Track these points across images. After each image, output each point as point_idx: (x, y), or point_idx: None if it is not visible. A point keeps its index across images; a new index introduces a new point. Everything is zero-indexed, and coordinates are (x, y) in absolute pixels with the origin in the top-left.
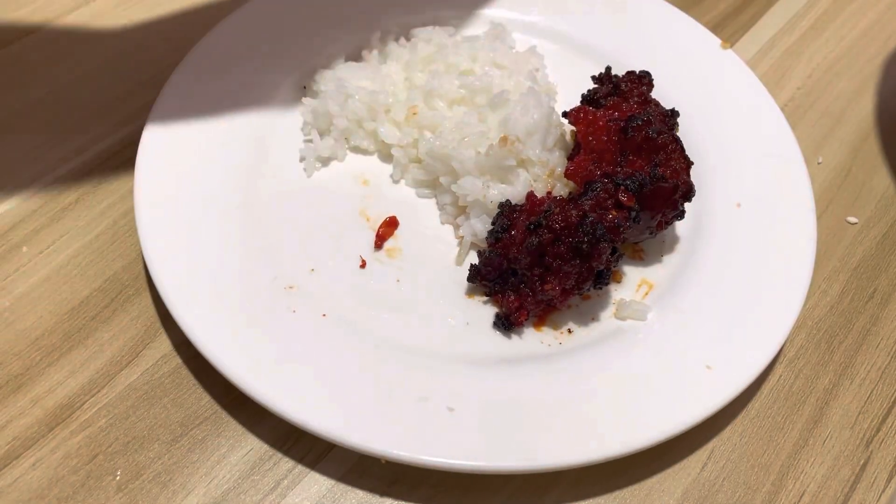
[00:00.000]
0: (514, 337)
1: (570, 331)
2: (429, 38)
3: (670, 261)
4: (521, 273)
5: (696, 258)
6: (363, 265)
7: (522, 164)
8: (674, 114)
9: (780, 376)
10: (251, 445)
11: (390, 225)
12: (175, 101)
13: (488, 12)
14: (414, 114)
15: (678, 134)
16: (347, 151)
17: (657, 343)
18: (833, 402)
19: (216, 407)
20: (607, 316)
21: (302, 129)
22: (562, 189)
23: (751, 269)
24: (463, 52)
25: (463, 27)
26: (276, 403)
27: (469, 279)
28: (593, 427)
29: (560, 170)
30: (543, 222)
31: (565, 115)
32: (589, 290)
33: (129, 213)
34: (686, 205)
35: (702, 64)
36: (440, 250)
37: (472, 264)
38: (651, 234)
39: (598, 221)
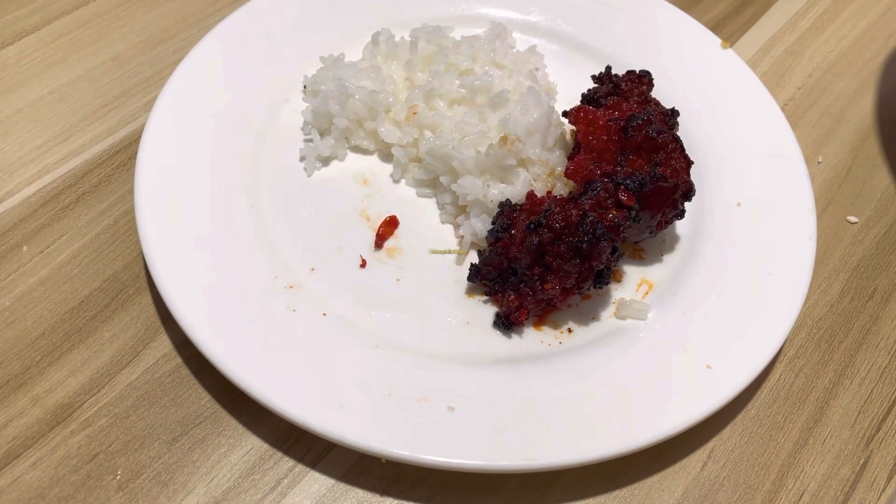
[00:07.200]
0: (514, 336)
1: (570, 330)
2: (429, 38)
3: (670, 260)
4: (521, 272)
5: (696, 258)
6: (363, 265)
7: (522, 163)
8: (674, 113)
9: (780, 376)
10: (251, 445)
11: (390, 224)
12: (175, 101)
13: (488, 12)
14: (414, 113)
15: (678, 133)
16: (348, 151)
17: (657, 342)
18: (833, 401)
19: (216, 406)
20: (607, 315)
21: (302, 129)
22: (562, 188)
23: (751, 269)
24: (463, 51)
25: (463, 27)
26: (276, 403)
27: (469, 278)
28: (593, 426)
29: (560, 169)
30: (543, 221)
31: (565, 114)
32: (589, 289)
33: (129, 213)
34: (686, 204)
35: (702, 63)
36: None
37: (472, 264)
38: (651, 233)
39: (598, 221)
